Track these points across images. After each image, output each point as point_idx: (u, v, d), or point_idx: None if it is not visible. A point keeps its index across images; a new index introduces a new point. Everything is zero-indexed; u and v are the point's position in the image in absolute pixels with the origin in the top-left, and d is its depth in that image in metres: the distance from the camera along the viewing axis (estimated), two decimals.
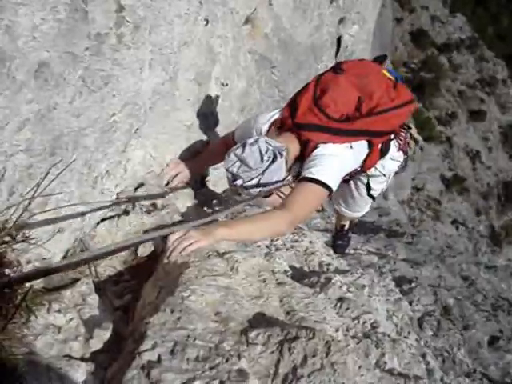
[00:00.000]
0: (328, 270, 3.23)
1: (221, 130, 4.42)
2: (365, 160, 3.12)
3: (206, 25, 3.15)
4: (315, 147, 2.79)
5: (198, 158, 3.42)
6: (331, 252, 3.83)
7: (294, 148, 2.83)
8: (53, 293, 2.11)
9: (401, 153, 3.37)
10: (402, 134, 3.35)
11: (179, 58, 2.62)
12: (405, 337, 2.81)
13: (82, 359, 1.89)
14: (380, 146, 3.15)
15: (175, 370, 1.71)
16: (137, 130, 2.38)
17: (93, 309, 2.12)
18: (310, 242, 3.48)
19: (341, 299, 2.76)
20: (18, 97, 1.55)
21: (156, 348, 1.79)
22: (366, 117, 2.92)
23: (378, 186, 3.60)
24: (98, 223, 2.45)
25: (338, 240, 4.75)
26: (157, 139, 2.76)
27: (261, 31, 6.75)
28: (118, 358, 1.90)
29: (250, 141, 2.62)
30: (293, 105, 2.96)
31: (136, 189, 2.73)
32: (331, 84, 2.98)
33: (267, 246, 3.18)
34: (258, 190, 2.65)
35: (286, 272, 2.89)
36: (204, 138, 3.78)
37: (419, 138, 3.64)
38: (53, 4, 1.53)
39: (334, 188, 2.74)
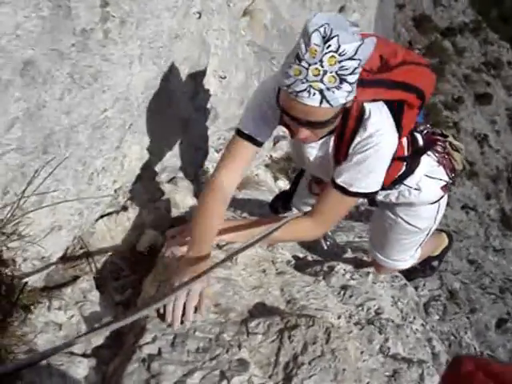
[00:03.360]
0: (332, 258, 3.23)
1: (220, 123, 4.41)
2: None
3: (199, 18, 3.14)
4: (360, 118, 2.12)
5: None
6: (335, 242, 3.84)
7: None
8: (53, 290, 2.12)
9: (441, 168, 2.60)
10: (439, 142, 2.63)
11: (171, 51, 2.61)
12: (410, 322, 2.81)
13: (84, 355, 1.90)
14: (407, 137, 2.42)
15: (176, 362, 1.72)
16: (131, 125, 2.38)
17: (93, 305, 2.14)
18: None
19: (344, 287, 2.77)
20: (4, 96, 1.55)
21: (156, 341, 1.80)
22: (395, 68, 2.25)
23: (417, 221, 2.72)
24: (96, 220, 2.46)
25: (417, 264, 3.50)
26: (153, 134, 2.75)
27: (260, 23, 6.74)
28: (119, 352, 1.92)
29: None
30: None
31: (134, 184, 2.73)
32: None
33: None
34: (355, 67, 1.83)
35: (288, 262, 2.89)
36: (203, 132, 3.78)
37: (461, 145, 2.72)
38: (35, 1, 1.52)
39: (378, 188, 2.22)
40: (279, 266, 2.54)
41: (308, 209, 3.10)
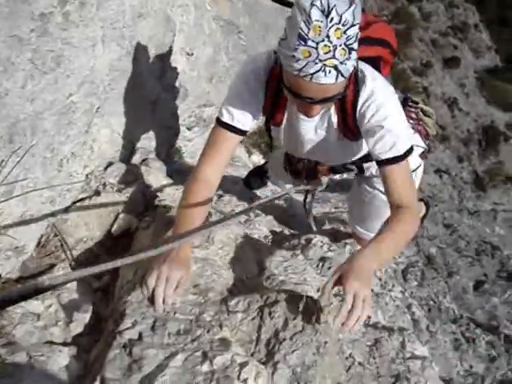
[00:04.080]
0: (308, 231, 3.23)
1: (191, 101, 4.37)
2: None
3: None
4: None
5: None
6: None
7: None
8: (29, 280, 2.10)
9: (417, 135, 2.66)
10: (412, 109, 2.68)
11: (135, 31, 2.57)
12: (389, 290, 2.83)
13: (64, 344, 1.89)
14: None
15: (157, 345, 1.71)
16: (98, 108, 2.34)
17: (71, 293, 2.11)
18: (291, 206, 3.48)
19: (322, 259, 2.77)
20: None
21: (136, 326, 1.78)
22: (368, 26, 2.23)
23: None
24: (69, 206, 2.43)
25: None
26: (122, 116, 2.71)
27: None
28: (100, 339, 1.90)
29: None
30: None
31: (106, 168, 2.69)
32: None
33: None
34: (356, 33, 1.77)
35: (266, 237, 2.89)
36: (173, 111, 3.74)
37: (432, 110, 2.75)
38: None
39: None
40: (256, 243, 2.53)
41: (288, 186, 3.07)
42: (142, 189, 2.75)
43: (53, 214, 2.26)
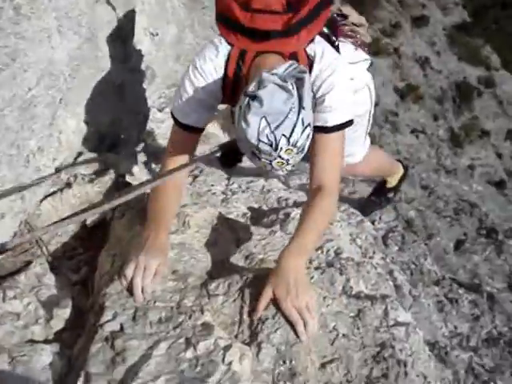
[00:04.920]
0: (287, 205, 3.22)
1: (159, 82, 4.31)
2: None
3: None
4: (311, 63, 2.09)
5: (156, 231, 2.02)
6: (290, 185, 3.82)
7: None
8: (6, 279, 2.07)
9: (359, 51, 2.66)
10: (346, 27, 2.60)
11: (93, 17, 2.50)
12: (370, 257, 2.83)
13: (46, 341, 1.87)
14: None
15: (139, 336, 1.71)
16: (61, 100, 2.29)
17: (50, 288, 2.09)
18: (266, 179, 3.46)
19: None
20: None
21: (117, 317, 1.78)
22: None
23: (356, 109, 2.47)
24: (40, 201, 2.39)
25: (372, 196, 3.91)
26: (88, 104, 2.67)
27: None
28: (82, 333, 1.89)
29: (250, 88, 1.75)
30: (233, 26, 2.12)
31: (75, 159, 2.65)
32: None
33: (223, 192, 3.15)
34: (308, 134, 1.79)
35: (244, 215, 2.87)
36: (140, 94, 3.68)
37: (362, 19, 2.70)
38: None
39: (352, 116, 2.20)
40: (233, 223, 2.52)
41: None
42: (114, 177, 2.72)
43: (24, 211, 2.23)
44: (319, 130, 2.09)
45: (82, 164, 2.67)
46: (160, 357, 1.63)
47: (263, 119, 1.69)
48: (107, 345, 1.68)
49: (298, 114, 1.71)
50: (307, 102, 1.75)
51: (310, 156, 2.17)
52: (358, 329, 2.01)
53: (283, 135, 1.69)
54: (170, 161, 2.22)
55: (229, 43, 2.12)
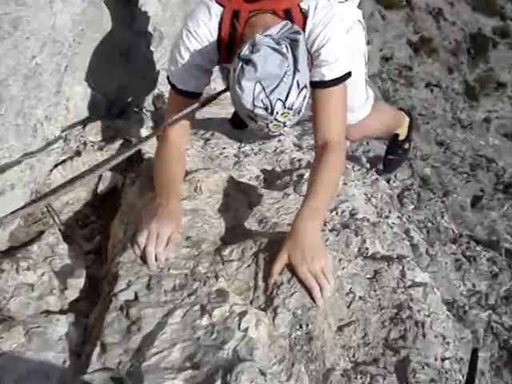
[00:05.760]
0: (300, 166, 3.19)
1: (167, 44, 4.24)
2: None
3: None
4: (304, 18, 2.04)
5: (167, 199, 1.99)
6: (303, 145, 3.76)
7: None
8: (19, 250, 2.06)
9: None
10: None
11: None
12: (386, 217, 2.80)
13: (61, 312, 1.87)
14: None
15: (154, 304, 1.70)
16: (67, 66, 2.24)
17: (63, 258, 2.08)
18: (279, 140, 3.41)
19: None
20: None
21: (131, 286, 1.76)
22: None
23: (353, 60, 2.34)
24: (50, 170, 2.37)
25: (389, 154, 3.82)
26: (95, 70, 2.62)
27: None
28: (97, 302, 1.88)
29: (244, 52, 1.72)
30: None
31: (84, 127, 2.62)
32: None
33: (235, 155, 3.12)
34: (304, 95, 1.78)
35: (257, 177, 2.84)
36: (148, 57, 3.61)
37: None
38: None
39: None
40: (246, 187, 2.48)
41: None
42: (123, 144, 2.69)
43: (34, 181, 2.21)
44: (318, 85, 2.09)
45: (91, 131, 2.64)
46: (175, 325, 1.62)
47: (258, 84, 1.68)
48: (122, 314, 1.67)
49: (293, 77, 1.71)
50: (302, 63, 1.74)
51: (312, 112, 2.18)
52: (375, 291, 1.99)
53: (279, 99, 1.69)
54: (170, 125, 2.20)
55: (220, 4, 2.07)
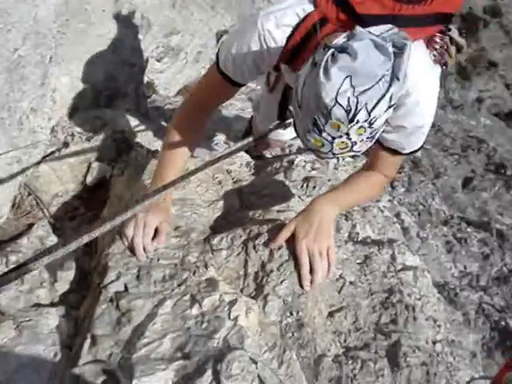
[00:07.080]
0: (290, 151, 3.18)
1: (156, 31, 4.21)
2: None
3: None
4: None
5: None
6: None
7: None
8: (8, 244, 2.05)
9: (438, 66, 1.99)
10: (437, 39, 1.96)
11: None
12: (376, 201, 2.79)
13: (52, 304, 1.86)
14: None
15: (144, 295, 1.69)
16: (51, 58, 2.22)
17: None
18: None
19: (306, 179, 2.72)
20: None
21: (120, 278, 1.76)
22: None
23: None
24: (38, 163, 2.35)
25: None
26: (81, 60, 2.60)
27: None
28: (87, 294, 1.88)
29: (337, 41, 1.37)
30: None
31: (71, 118, 2.60)
32: None
33: (225, 142, 3.11)
34: (387, 119, 1.45)
35: (248, 164, 2.83)
36: (134, 45, 3.58)
37: (463, 42, 2.11)
38: None
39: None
40: (236, 175, 2.48)
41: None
42: (111, 134, 2.66)
43: (23, 173, 2.19)
44: (391, 151, 1.90)
45: (78, 122, 2.62)
46: (166, 315, 1.62)
47: (348, 79, 1.33)
48: (112, 306, 1.67)
49: (389, 86, 1.35)
50: (402, 75, 1.37)
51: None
52: (366, 275, 2.00)
53: (366, 105, 1.34)
54: (200, 103, 2.03)
55: (314, 4, 1.69)
